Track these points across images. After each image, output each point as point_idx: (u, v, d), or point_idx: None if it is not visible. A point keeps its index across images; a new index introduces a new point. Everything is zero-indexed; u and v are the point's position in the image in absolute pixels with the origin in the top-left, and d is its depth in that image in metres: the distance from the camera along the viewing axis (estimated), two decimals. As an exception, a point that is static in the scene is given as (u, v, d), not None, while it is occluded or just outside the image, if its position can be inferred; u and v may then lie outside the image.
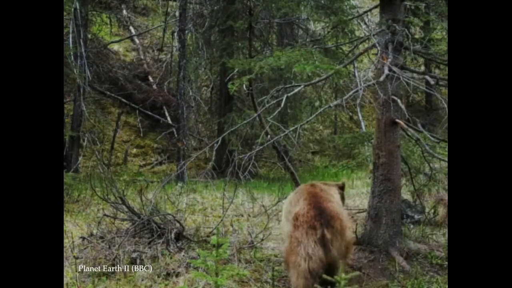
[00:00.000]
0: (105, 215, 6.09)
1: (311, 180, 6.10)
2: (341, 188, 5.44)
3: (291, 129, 6.37)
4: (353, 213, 7.30)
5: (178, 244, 5.59)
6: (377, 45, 5.69)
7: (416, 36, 8.05)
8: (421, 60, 13.00)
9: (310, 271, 4.16)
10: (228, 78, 7.90)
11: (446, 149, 5.62)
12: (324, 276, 3.63)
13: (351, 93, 5.66)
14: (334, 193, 5.03)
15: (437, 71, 12.85)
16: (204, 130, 13.61)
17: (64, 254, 5.35)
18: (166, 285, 4.96)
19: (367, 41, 7.00)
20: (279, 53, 5.51)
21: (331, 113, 14.04)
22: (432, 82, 5.57)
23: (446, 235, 6.35)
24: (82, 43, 10.19)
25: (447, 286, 4.81)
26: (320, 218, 4.27)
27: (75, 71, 9.75)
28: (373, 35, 5.94)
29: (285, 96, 5.52)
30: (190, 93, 12.29)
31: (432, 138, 5.93)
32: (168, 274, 5.09)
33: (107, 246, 5.47)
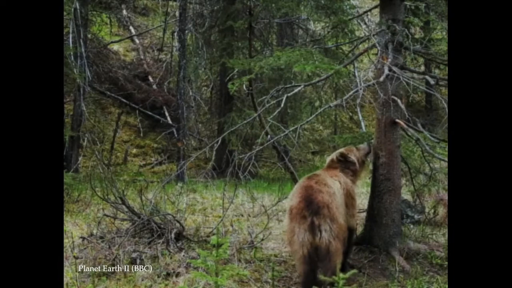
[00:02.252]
0: (105, 215, 6.09)
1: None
2: (340, 161, 5.37)
3: (291, 129, 6.36)
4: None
5: (178, 244, 5.59)
6: (377, 45, 5.68)
7: (416, 36, 8.03)
8: (421, 60, 12.99)
9: (306, 256, 4.50)
10: (228, 78, 7.89)
11: (446, 149, 5.61)
12: (322, 277, 3.67)
13: (351, 93, 5.66)
14: (332, 181, 5.02)
15: (437, 71, 12.82)
16: (204, 130, 13.60)
17: (64, 254, 5.34)
18: (166, 285, 4.96)
19: (367, 41, 6.99)
20: (279, 53, 5.50)
21: (331, 113, 14.02)
22: (432, 82, 5.56)
23: (446, 235, 6.35)
24: (82, 43, 10.18)
25: (447, 286, 4.81)
26: (309, 208, 4.58)
27: (75, 71, 9.74)
28: (373, 35, 5.93)
29: (285, 96, 5.51)
30: (190, 93, 12.30)
31: (432, 138, 5.92)
32: (168, 274, 5.08)
33: (107, 246, 5.46)
